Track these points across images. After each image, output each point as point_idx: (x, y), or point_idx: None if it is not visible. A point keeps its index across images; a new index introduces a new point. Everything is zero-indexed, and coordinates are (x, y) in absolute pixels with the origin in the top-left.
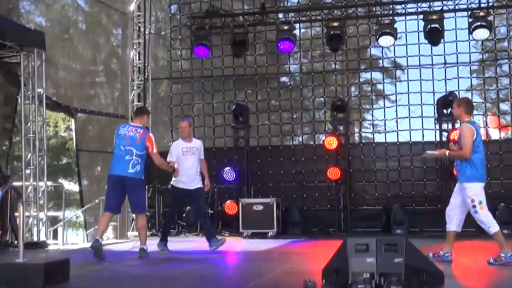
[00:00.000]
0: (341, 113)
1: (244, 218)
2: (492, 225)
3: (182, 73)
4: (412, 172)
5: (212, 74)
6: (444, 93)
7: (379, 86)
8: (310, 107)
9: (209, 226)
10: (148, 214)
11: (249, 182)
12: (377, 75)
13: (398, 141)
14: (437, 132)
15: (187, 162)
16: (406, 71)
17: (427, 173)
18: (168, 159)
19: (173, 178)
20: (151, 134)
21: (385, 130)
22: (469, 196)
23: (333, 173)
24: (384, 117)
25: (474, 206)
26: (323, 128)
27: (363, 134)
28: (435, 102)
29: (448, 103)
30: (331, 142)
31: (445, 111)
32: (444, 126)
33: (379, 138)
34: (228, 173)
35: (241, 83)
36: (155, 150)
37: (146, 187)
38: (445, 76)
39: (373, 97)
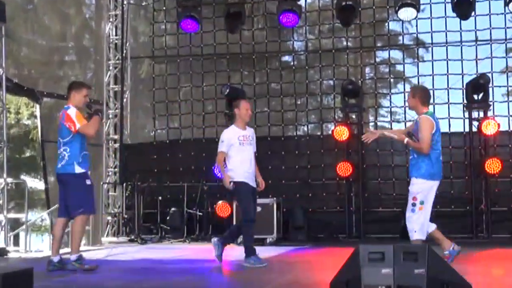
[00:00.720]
0: (354, 98)
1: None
2: (420, 233)
3: (167, 51)
4: None
5: (202, 52)
6: (475, 76)
7: (399, 67)
8: (317, 92)
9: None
10: (126, 216)
11: None
12: (396, 54)
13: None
14: (466, 121)
15: (245, 154)
16: (430, 49)
17: (454, 170)
18: (219, 149)
19: (232, 172)
20: (70, 110)
21: (405, 118)
22: (413, 192)
23: (344, 169)
24: (404, 104)
25: (413, 205)
26: (332, 116)
27: (379, 123)
28: (464, 86)
29: (479, 87)
30: (342, 133)
31: (475, 96)
32: (475, 114)
33: (398, 127)
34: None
35: (236, 63)
36: (78, 125)
37: (86, 181)
38: (476, 56)
39: (391, 80)
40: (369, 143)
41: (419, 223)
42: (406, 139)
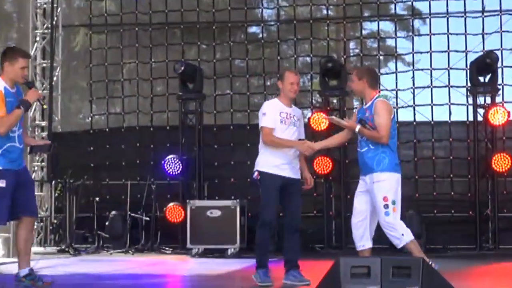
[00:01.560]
0: (335, 79)
1: (194, 229)
2: (406, 232)
3: (107, 19)
4: (434, 164)
5: (151, 20)
6: (481, 53)
7: (389, 42)
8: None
9: (297, 249)
10: (55, 221)
11: (202, 176)
12: (386, 26)
13: (414, 120)
14: (470, 108)
15: (286, 134)
16: (427, 21)
17: (454, 167)
18: (263, 124)
19: (261, 157)
20: None
21: (396, 104)
22: (382, 190)
23: (322, 164)
24: (396, 86)
25: (386, 206)
26: (309, 101)
27: None
28: (468, 66)
29: (486, 68)
30: (320, 121)
31: (481, 78)
32: (480, 99)
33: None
34: (172, 164)
35: (192, 35)
36: None
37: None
38: (483, 30)
39: (381, 58)
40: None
41: (400, 225)
42: (358, 127)
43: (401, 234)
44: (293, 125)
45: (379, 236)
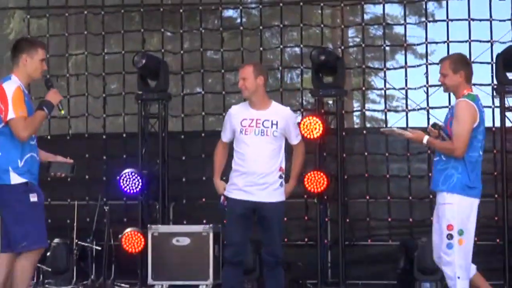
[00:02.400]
0: (330, 75)
1: (157, 261)
2: (463, 276)
3: (49, 0)
4: None
5: (103, 2)
6: (510, 44)
7: (397, 29)
8: (275, 65)
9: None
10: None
11: (166, 196)
12: (394, 9)
13: (428, 126)
14: (496, 111)
15: (249, 150)
16: (444, 3)
17: None
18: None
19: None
20: (9, 84)
21: (406, 106)
22: (447, 218)
23: (315, 181)
24: (405, 84)
25: (450, 237)
26: (298, 102)
27: (368, 114)
28: (494, 59)
29: None
30: (312, 127)
31: (510, 75)
32: (510, 100)
33: (395, 119)
34: (129, 180)
35: (154, 20)
36: (12, 114)
37: (30, 196)
38: None
39: (387, 49)
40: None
41: (461, 265)
42: (425, 138)
43: (457, 277)
44: (260, 134)
45: (388, 269)
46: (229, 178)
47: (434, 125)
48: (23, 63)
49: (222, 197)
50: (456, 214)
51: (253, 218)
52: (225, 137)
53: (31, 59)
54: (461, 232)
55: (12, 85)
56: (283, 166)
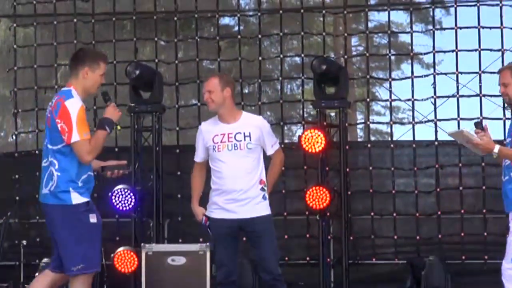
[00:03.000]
0: (333, 86)
1: (150, 281)
2: None
3: (36, 7)
4: (462, 196)
5: (94, 9)
6: None
7: (403, 38)
8: (275, 75)
9: None
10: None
11: (161, 213)
12: (399, 17)
13: (436, 139)
14: (508, 123)
15: (224, 167)
16: (452, 10)
17: (488, 201)
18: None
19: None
20: (72, 102)
21: (412, 119)
22: None
23: (317, 197)
24: (412, 95)
25: None
26: (299, 114)
27: (372, 126)
28: (505, 69)
29: None
30: (314, 140)
31: None
32: None
33: (400, 132)
34: (122, 197)
35: (147, 29)
36: (77, 136)
37: (90, 217)
38: None
39: (392, 58)
40: None
41: None
42: (496, 146)
43: None
44: (233, 148)
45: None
46: (209, 197)
47: (477, 124)
48: (83, 76)
49: (204, 218)
50: None
51: (240, 236)
52: (198, 157)
53: (92, 73)
54: None
55: (76, 104)
56: (264, 178)
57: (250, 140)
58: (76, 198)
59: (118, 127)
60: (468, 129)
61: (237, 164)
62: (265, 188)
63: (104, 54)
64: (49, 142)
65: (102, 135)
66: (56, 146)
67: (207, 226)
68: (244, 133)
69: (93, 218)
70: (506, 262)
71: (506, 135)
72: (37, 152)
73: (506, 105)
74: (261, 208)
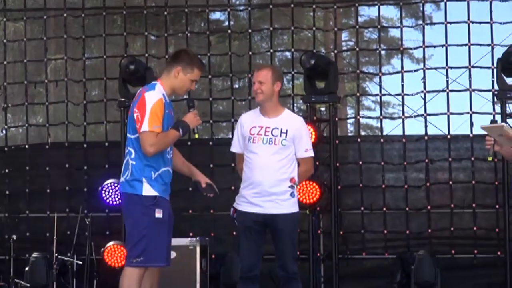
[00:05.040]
0: (323, 81)
1: None
2: None
3: (27, 2)
4: (451, 191)
5: (84, 4)
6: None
7: (393, 33)
8: None
9: None
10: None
11: None
12: (389, 12)
13: (426, 133)
14: (498, 118)
15: (257, 160)
16: (442, 5)
17: (478, 194)
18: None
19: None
20: (152, 95)
21: (402, 113)
22: None
23: (307, 192)
24: (402, 90)
25: None
26: (290, 109)
27: (362, 121)
28: (495, 64)
29: None
30: None
31: (510, 80)
32: (511, 107)
33: (390, 127)
34: (112, 191)
35: (137, 23)
36: (146, 127)
37: (156, 212)
38: None
39: (382, 53)
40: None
41: None
42: None
43: None
44: (268, 143)
45: (385, 284)
46: (239, 190)
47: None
48: (175, 75)
49: (232, 209)
50: None
51: (265, 231)
52: (235, 147)
53: (184, 75)
54: None
55: (155, 96)
56: (296, 176)
57: (286, 137)
58: (147, 190)
59: (196, 135)
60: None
61: (268, 158)
62: (295, 186)
63: (202, 63)
64: (128, 132)
65: (173, 135)
66: (133, 135)
67: (234, 218)
68: (281, 129)
69: (159, 213)
70: None
71: None
72: (27, 146)
73: (496, 99)
74: (287, 205)
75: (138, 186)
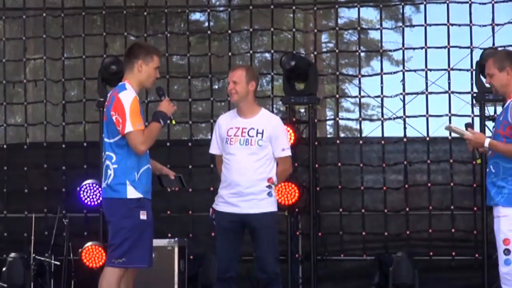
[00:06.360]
0: (302, 82)
1: None
2: None
3: (5, 1)
4: (430, 193)
5: (63, 4)
6: (490, 49)
7: (373, 35)
8: None
9: None
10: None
11: None
12: (369, 14)
13: (405, 135)
14: (476, 120)
15: (233, 160)
16: (422, 7)
17: (456, 196)
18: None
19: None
20: (125, 94)
21: (381, 115)
22: (503, 231)
23: (286, 193)
24: (381, 92)
25: (507, 252)
26: (269, 110)
27: (341, 123)
28: (474, 66)
29: None
30: None
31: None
32: (490, 109)
33: (370, 129)
34: (90, 191)
35: (117, 23)
36: (130, 127)
37: (140, 214)
38: (493, 20)
39: (362, 55)
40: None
41: None
42: (487, 140)
43: None
44: (244, 144)
45: (363, 285)
46: (218, 190)
47: (468, 125)
48: (138, 70)
49: (211, 210)
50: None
51: (243, 231)
52: (214, 149)
53: (146, 66)
54: None
55: (130, 95)
56: (274, 176)
57: (262, 137)
58: (131, 192)
59: (173, 122)
60: (454, 125)
61: (246, 158)
62: (272, 186)
63: (157, 48)
64: (106, 136)
65: (156, 127)
66: (113, 139)
67: (213, 219)
68: (257, 130)
69: (143, 215)
70: (500, 265)
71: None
72: (5, 146)
73: (474, 102)
74: (264, 204)
75: (122, 189)
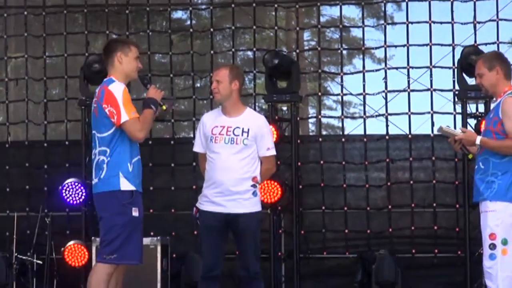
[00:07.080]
0: (284, 80)
1: None
2: None
3: None
4: (412, 190)
5: (45, 2)
6: (471, 47)
7: (355, 32)
8: None
9: None
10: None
11: None
12: (351, 11)
13: (387, 133)
14: (458, 118)
15: (218, 159)
16: (404, 5)
17: (438, 194)
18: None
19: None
20: (114, 86)
21: (363, 113)
22: (489, 226)
23: (268, 191)
24: (363, 90)
25: (492, 247)
26: (251, 108)
27: (324, 121)
28: (456, 64)
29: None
30: None
31: (472, 80)
32: (472, 107)
33: (352, 127)
34: (72, 190)
35: (98, 22)
36: (126, 117)
37: (132, 210)
38: (475, 17)
39: (344, 52)
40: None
41: (504, 278)
42: (478, 138)
43: None
44: (230, 142)
45: (346, 283)
46: (202, 189)
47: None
48: (118, 61)
49: (195, 209)
50: (500, 222)
51: (227, 230)
52: (197, 147)
53: (126, 57)
54: (505, 242)
55: (120, 86)
56: (258, 175)
57: (247, 136)
58: (124, 184)
59: (164, 107)
60: (446, 129)
61: (230, 157)
62: (257, 185)
63: (133, 40)
64: (98, 131)
65: (149, 114)
66: (106, 133)
67: (197, 218)
68: (242, 129)
69: (135, 212)
70: (485, 260)
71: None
72: None
73: (456, 99)
74: (249, 204)
75: (115, 181)
